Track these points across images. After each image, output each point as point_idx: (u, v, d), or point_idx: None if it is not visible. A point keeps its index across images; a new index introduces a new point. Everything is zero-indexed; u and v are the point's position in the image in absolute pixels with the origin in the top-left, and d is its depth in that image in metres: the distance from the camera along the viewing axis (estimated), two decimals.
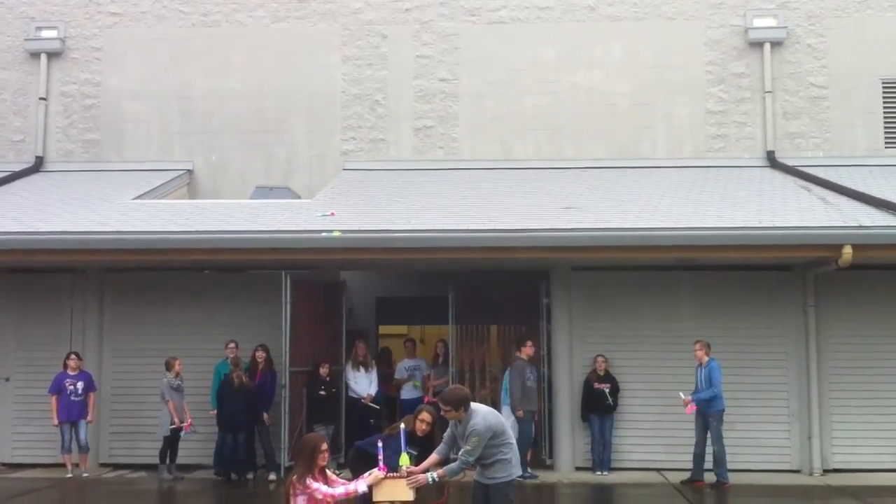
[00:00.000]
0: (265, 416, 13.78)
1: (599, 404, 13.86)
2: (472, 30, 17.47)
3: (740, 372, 13.81)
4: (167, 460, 13.65)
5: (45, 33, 17.90)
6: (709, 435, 13.05)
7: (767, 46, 16.95)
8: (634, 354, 14.21)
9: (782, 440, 13.94)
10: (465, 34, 17.46)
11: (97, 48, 17.88)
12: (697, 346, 13.21)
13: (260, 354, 13.99)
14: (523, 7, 17.50)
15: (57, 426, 13.74)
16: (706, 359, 13.13)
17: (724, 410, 13.03)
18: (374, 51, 17.53)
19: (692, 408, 12.99)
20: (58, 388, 13.70)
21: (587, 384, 14.03)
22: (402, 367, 15.57)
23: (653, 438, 14.04)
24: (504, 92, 17.30)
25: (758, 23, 17.04)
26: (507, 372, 14.13)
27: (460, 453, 8.28)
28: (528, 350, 13.88)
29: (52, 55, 17.83)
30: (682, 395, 13.02)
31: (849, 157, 16.64)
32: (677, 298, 14.32)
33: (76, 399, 13.72)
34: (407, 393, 15.26)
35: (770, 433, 13.90)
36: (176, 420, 13.57)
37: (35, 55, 17.84)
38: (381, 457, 8.09)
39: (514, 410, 13.57)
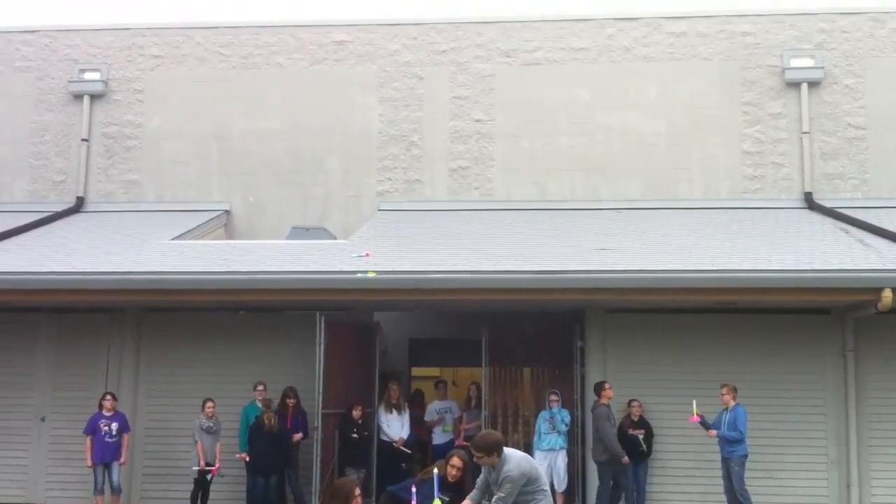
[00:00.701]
0: (298, 435, 13.69)
1: (633, 450, 13.62)
2: (507, 71, 17.53)
3: (778, 417, 13.60)
4: (198, 502, 13.64)
5: (88, 75, 18.16)
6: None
7: (804, 87, 16.82)
8: (670, 399, 13.96)
9: (820, 489, 13.64)
10: (501, 75, 17.52)
11: (139, 90, 18.14)
12: (724, 389, 13.03)
13: (291, 401, 13.89)
14: (559, 49, 17.53)
15: (90, 467, 13.73)
16: (732, 403, 12.96)
17: (746, 456, 12.78)
18: (410, 92, 17.65)
19: (695, 419, 12.79)
20: (92, 429, 13.69)
21: (621, 429, 13.79)
22: (433, 408, 15.48)
23: (688, 486, 13.80)
24: (539, 132, 17.30)
25: (795, 63, 16.90)
26: (539, 416, 14.02)
27: (493, 499, 8.20)
28: (608, 393, 13.46)
29: (95, 97, 18.10)
30: (695, 402, 12.79)
31: (888, 199, 16.40)
32: (714, 342, 14.10)
33: (110, 440, 13.68)
34: (438, 437, 15.16)
35: (808, 481, 13.62)
36: (201, 462, 13.57)
37: (78, 97, 18.12)
38: (413, 502, 8.05)
39: (618, 459, 13.16)
